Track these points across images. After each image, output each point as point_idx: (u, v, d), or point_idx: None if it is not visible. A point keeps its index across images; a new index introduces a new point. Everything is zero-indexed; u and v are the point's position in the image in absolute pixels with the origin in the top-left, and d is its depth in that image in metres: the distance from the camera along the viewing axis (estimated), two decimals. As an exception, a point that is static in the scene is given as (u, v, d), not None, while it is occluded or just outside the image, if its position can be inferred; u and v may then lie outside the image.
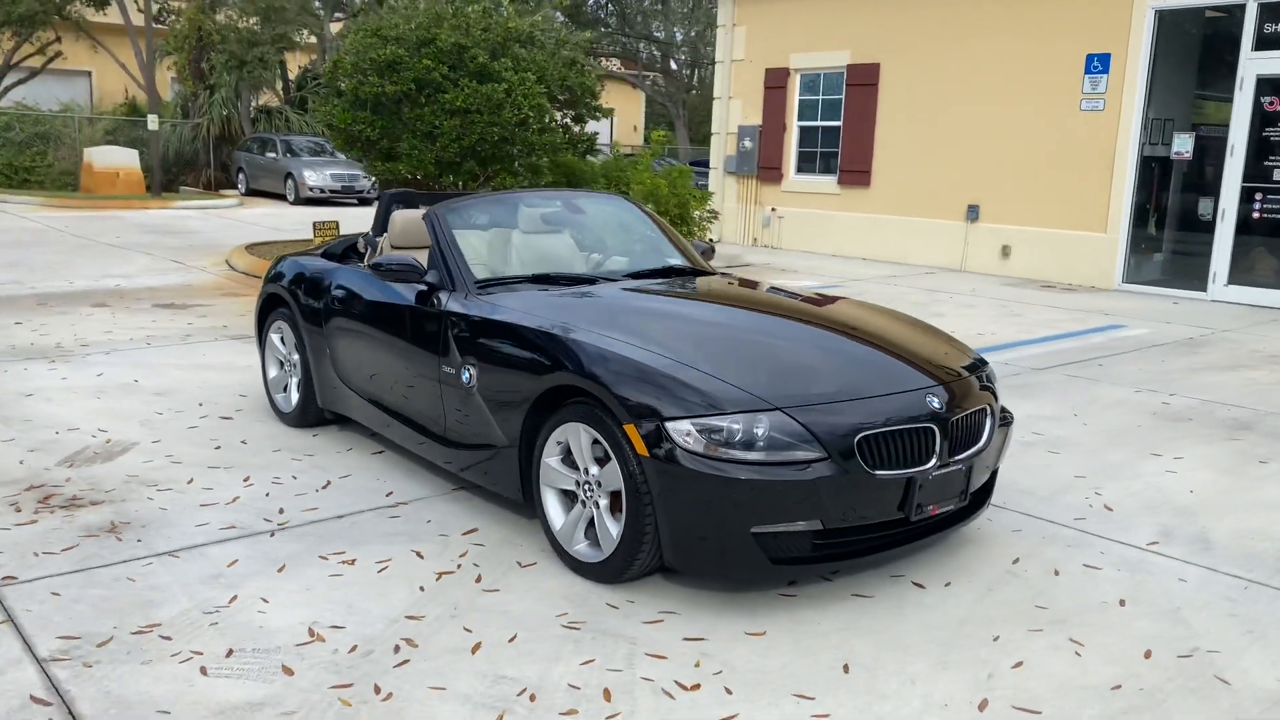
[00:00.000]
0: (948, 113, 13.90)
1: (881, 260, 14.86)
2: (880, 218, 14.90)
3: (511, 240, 4.83)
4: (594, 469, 3.64)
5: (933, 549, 4.09)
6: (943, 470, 3.60)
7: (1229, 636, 3.44)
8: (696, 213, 13.77)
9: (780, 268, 13.76)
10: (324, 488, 4.66)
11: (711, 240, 16.53)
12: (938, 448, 3.60)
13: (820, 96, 15.59)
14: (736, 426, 3.34)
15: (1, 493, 4.44)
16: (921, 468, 3.56)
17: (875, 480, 3.43)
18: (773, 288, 4.81)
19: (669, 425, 3.36)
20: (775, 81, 16.01)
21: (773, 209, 16.32)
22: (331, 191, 22.76)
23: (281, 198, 23.51)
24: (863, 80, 14.84)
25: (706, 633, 3.36)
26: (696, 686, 3.03)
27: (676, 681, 3.05)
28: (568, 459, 3.78)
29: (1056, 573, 3.92)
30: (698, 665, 3.15)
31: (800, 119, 15.91)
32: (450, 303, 4.35)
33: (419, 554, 3.93)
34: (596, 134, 13.41)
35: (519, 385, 3.90)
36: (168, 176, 26.40)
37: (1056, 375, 7.44)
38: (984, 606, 3.61)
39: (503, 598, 3.58)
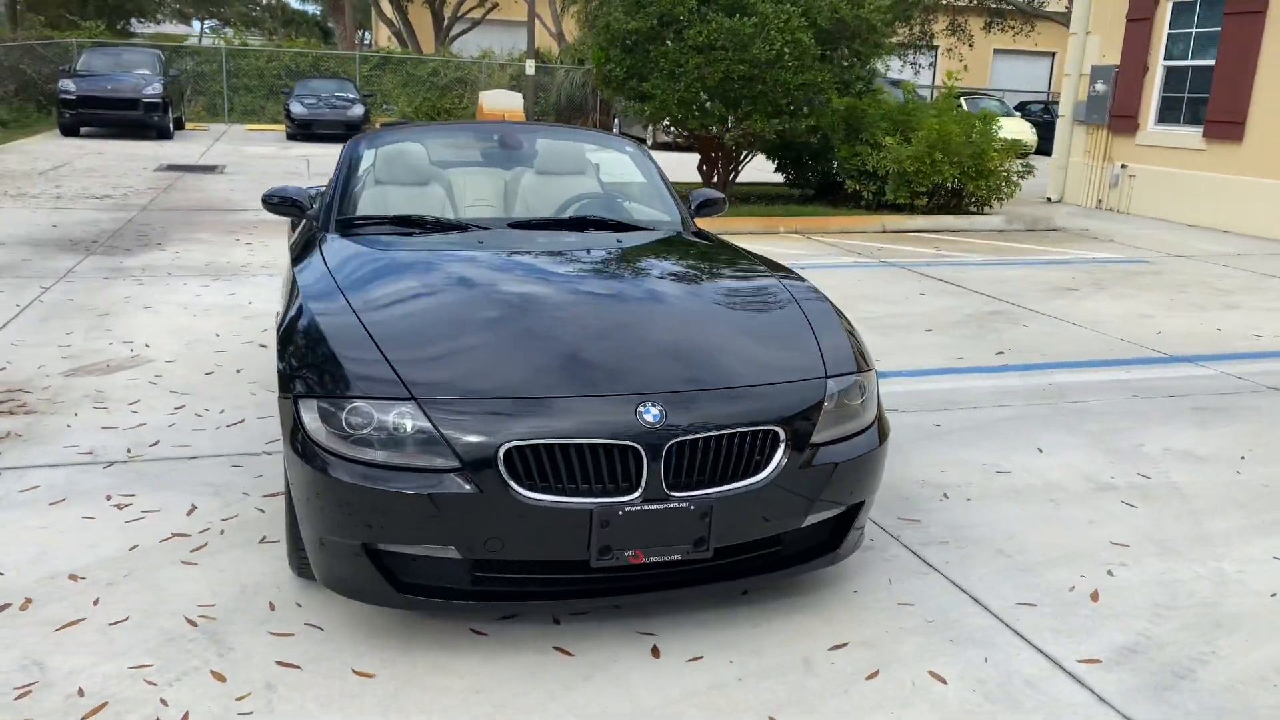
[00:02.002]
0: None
1: (1250, 235, 11.96)
2: (1254, 181, 11.98)
3: (423, 177, 4.31)
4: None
5: (750, 608, 3.06)
6: (653, 506, 2.62)
7: (993, 838, 2.17)
8: (1004, 166, 11.97)
9: (1093, 235, 11.57)
10: (231, 426, 4.53)
11: (1050, 198, 14.43)
12: (645, 475, 2.63)
13: (1193, 29, 12.77)
14: (359, 417, 2.65)
15: (-18, 393, 4.82)
16: (612, 499, 2.62)
17: (527, 506, 2.57)
18: (685, 253, 3.86)
19: (300, 404, 2.75)
20: (1139, 12, 13.37)
21: (1123, 165, 13.77)
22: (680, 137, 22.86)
23: (642, 142, 24.10)
24: (1248, 7, 11.89)
25: (315, 661, 2.75)
26: (197, 724, 2.47)
27: (186, 713, 2.51)
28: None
29: (873, 675, 2.75)
30: (241, 699, 2.57)
31: (1167, 58, 13.17)
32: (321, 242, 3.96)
33: (193, 509, 3.66)
34: (874, 73, 12.04)
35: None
36: (559, 119, 28.19)
37: (1293, 399, 5.42)
38: (690, 701, 2.61)
39: (189, 573, 3.20)
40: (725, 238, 4.35)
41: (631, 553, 2.65)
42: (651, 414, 2.65)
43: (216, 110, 26.37)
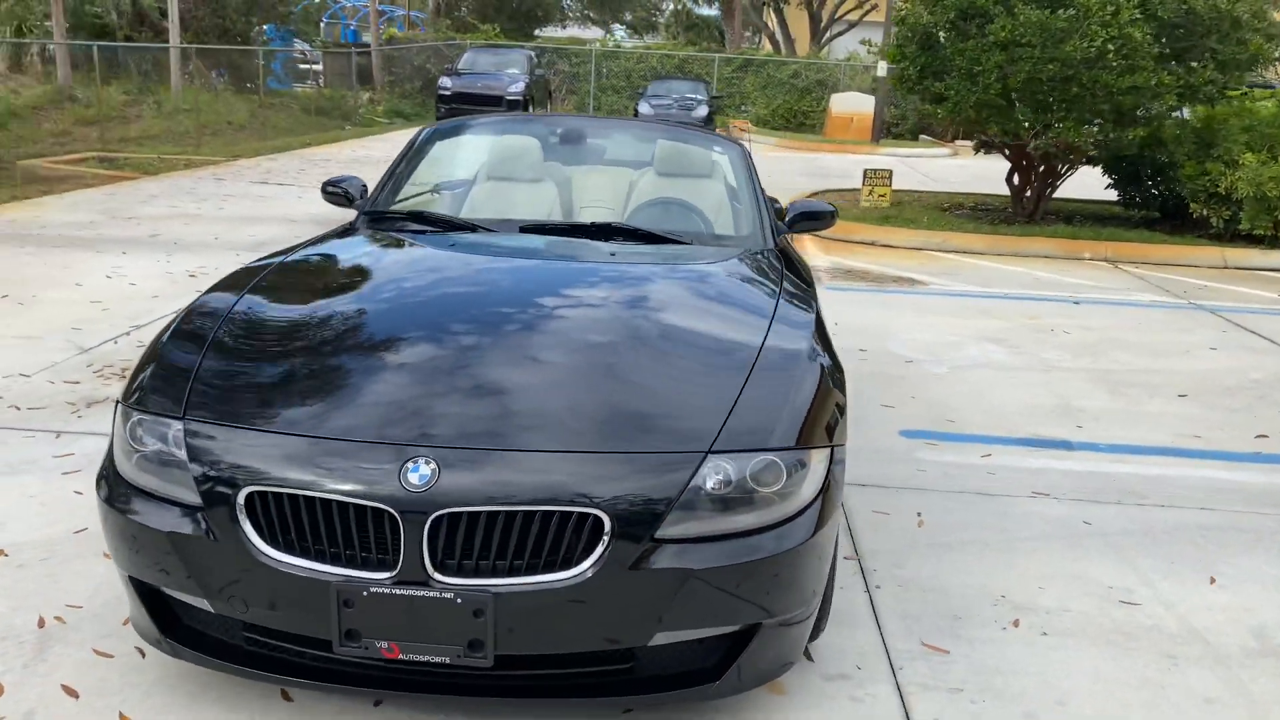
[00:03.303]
0: None
1: None
2: None
3: (474, 171, 3.94)
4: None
5: (613, 732, 2.39)
6: (409, 591, 2.07)
7: None
8: None
9: None
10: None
11: None
12: (402, 550, 2.07)
13: None
14: (145, 433, 2.34)
15: (130, 355, 5.15)
16: (359, 573, 2.09)
17: (265, 566, 2.12)
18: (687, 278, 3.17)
19: (118, 408, 2.50)
20: None
21: None
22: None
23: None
24: None
25: (98, 693, 2.49)
26: (-78, 742, 2.28)
27: (-72, 726, 2.34)
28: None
29: None
30: (-10, 721, 2.37)
31: None
32: (359, 233, 3.75)
33: (172, 498, 3.57)
34: (1235, 78, 9.91)
35: None
36: (918, 125, 26.69)
37: None
38: None
39: (96, 569, 3.08)
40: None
41: (385, 644, 2.11)
42: (419, 474, 2.09)
43: (584, 109, 27.84)
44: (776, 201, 5.01)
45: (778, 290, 3.08)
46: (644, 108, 21.98)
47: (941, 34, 10.09)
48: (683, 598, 2.15)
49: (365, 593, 2.07)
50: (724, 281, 3.12)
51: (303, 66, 32.93)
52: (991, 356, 5.93)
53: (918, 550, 3.44)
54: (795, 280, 3.30)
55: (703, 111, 21.90)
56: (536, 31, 40.06)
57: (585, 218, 3.77)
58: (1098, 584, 3.25)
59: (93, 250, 7.62)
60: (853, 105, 23.13)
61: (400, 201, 3.80)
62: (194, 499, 2.20)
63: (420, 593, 2.07)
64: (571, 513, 2.10)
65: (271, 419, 2.24)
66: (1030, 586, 3.22)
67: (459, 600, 2.06)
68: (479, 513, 2.08)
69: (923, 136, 26.24)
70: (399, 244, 3.37)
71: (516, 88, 21.02)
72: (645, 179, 3.95)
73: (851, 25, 34.37)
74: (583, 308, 2.76)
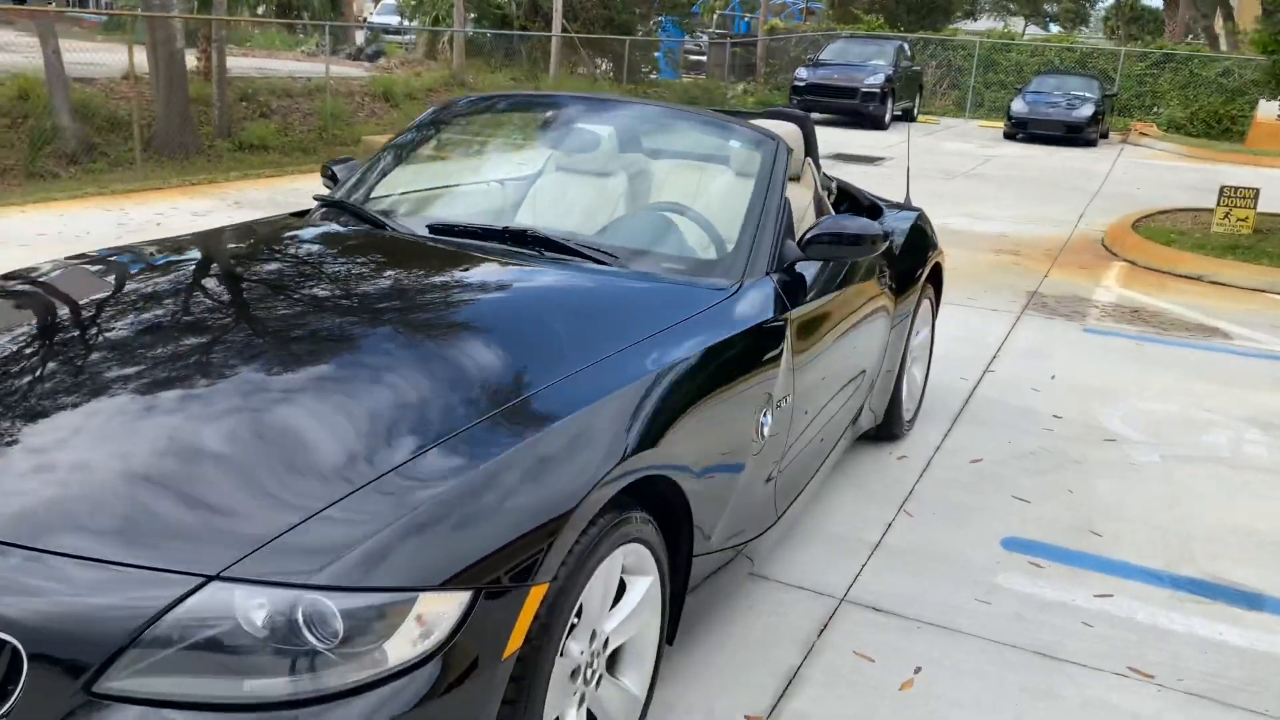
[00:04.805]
0: None
1: None
2: None
3: (449, 157, 3.35)
4: None
5: None
6: None
7: None
8: None
9: None
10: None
11: None
12: None
13: None
14: None
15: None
16: None
17: None
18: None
19: None
20: None
21: None
22: None
23: None
24: None
25: None
26: None
27: None
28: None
29: None
30: None
31: None
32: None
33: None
34: None
35: None
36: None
37: None
38: None
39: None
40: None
41: None
42: None
43: (963, 104, 25.81)
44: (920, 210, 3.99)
45: (650, 337, 2.22)
46: (1018, 105, 19.84)
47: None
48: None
49: None
50: (565, 317, 2.28)
51: (694, 58, 33.71)
52: (1243, 448, 4.34)
53: (865, 727, 2.40)
54: (725, 330, 2.40)
55: (1087, 111, 19.36)
56: (951, 26, 37.74)
57: (546, 221, 3.05)
58: None
59: (330, 222, 7.95)
60: (1286, 109, 19.30)
61: (347, 191, 3.29)
62: None
63: None
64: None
65: None
66: (983, 832, 2.09)
67: None
68: None
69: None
70: (266, 243, 2.89)
71: (874, 80, 19.80)
72: (632, 176, 3.14)
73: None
74: (285, 345, 2.09)
